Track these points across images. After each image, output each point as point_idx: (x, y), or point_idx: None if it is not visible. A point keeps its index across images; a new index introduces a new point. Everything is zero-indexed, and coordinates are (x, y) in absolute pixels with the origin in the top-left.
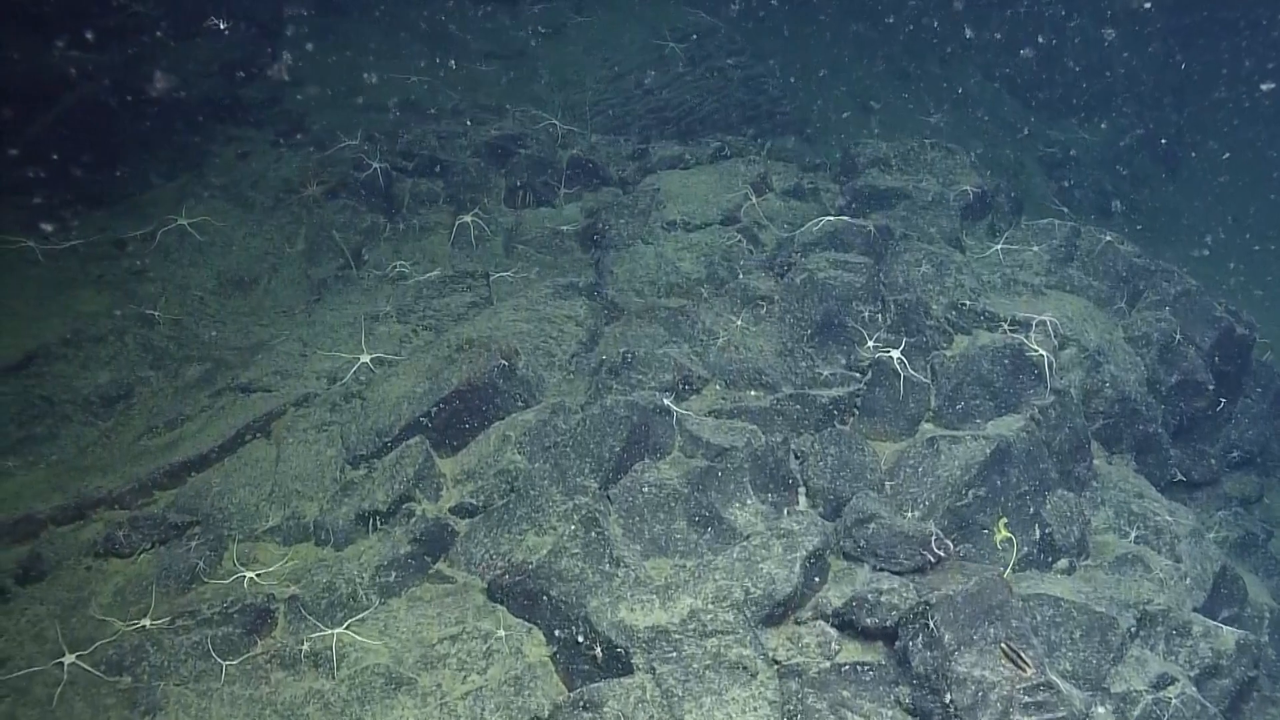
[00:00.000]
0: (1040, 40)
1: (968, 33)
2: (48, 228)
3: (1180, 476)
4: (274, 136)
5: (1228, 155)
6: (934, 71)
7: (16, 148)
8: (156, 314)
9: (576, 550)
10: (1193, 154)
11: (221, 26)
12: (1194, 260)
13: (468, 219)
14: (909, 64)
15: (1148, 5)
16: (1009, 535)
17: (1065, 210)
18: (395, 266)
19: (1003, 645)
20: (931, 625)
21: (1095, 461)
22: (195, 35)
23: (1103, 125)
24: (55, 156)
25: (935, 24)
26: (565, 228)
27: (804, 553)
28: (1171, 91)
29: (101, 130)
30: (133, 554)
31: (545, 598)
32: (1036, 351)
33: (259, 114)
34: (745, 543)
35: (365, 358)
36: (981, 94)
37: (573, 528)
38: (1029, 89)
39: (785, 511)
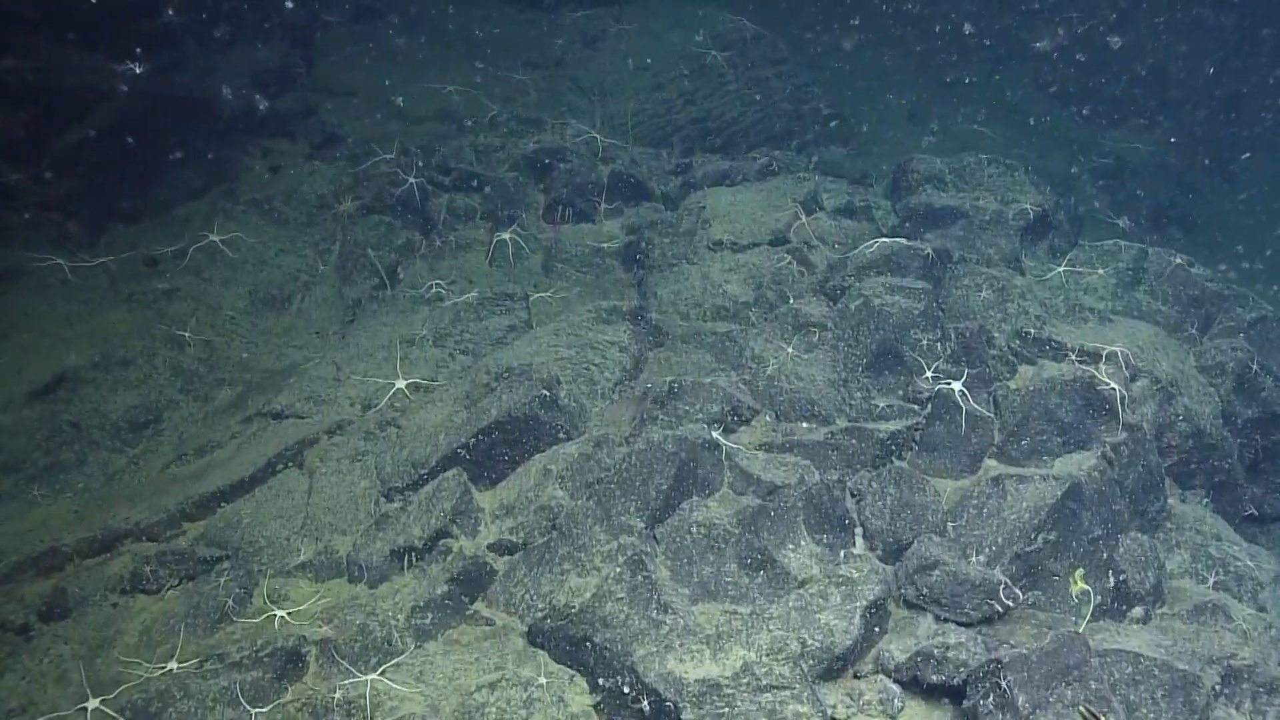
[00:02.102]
0: (1091, 46)
1: (1017, 39)
2: (76, 244)
3: (1253, 511)
4: (308, 149)
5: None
6: (982, 79)
7: (46, 162)
8: (187, 335)
9: (622, 594)
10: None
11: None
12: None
13: (506, 236)
14: (956, 72)
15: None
16: (1085, 587)
17: (1119, 223)
18: (432, 286)
19: (1081, 709)
20: (1004, 685)
21: (1169, 500)
22: (228, 44)
23: (1155, 132)
24: (85, 171)
25: (983, 31)
26: (606, 245)
27: (864, 602)
28: (1220, 98)
29: (132, 144)
30: (160, 590)
31: (589, 644)
32: (1108, 385)
33: (292, 126)
34: (801, 591)
35: (401, 383)
36: (1031, 102)
37: (618, 570)
38: (1079, 97)
39: (841, 554)
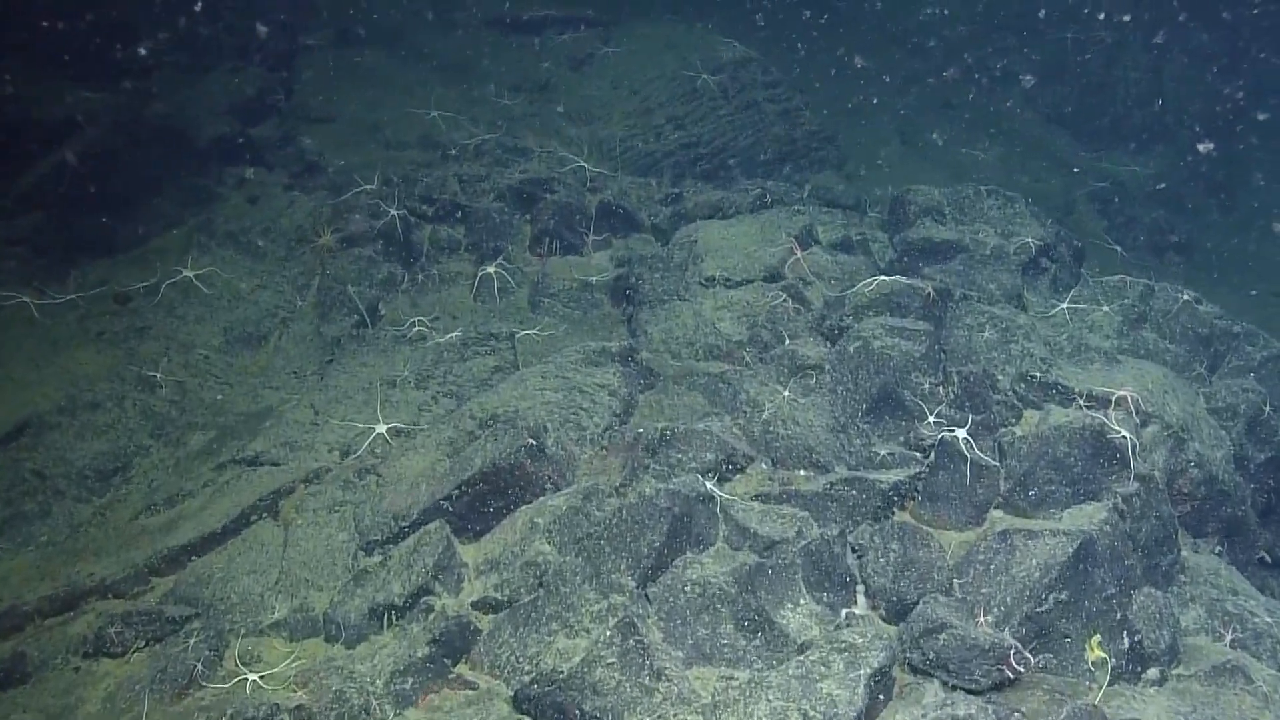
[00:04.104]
0: (1088, 69)
1: (1011, 62)
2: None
3: (1265, 556)
4: (286, 179)
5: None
6: (977, 102)
7: (13, 194)
8: (158, 376)
9: (613, 659)
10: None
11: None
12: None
13: (491, 269)
14: (951, 94)
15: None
16: (1103, 654)
17: (1119, 249)
18: (414, 324)
19: None
20: None
21: (1181, 552)
22: (205, 72)
23: (1154, 157)
24: (55, 203)
25: (978, 53)
26: (594, 279)
27: (868, 670)
28: (1219, 119)
29: (104, 174)
30: (125, 653)
31: (578, 712)
32: (1119, 433)
33: (271, 155)
34: (802, 657)
35: (381, 428)
36: (1027, 125)
37: (608, 633)
38: (1076, 120)
39: (843, 614)
